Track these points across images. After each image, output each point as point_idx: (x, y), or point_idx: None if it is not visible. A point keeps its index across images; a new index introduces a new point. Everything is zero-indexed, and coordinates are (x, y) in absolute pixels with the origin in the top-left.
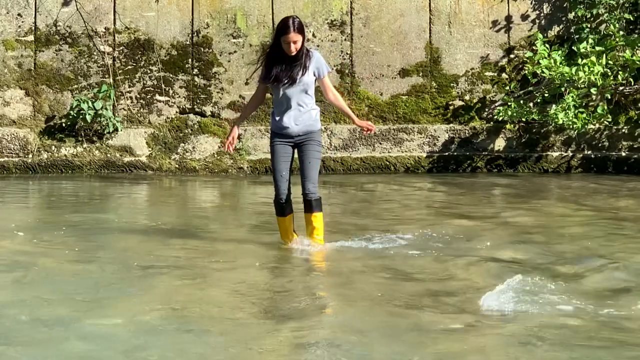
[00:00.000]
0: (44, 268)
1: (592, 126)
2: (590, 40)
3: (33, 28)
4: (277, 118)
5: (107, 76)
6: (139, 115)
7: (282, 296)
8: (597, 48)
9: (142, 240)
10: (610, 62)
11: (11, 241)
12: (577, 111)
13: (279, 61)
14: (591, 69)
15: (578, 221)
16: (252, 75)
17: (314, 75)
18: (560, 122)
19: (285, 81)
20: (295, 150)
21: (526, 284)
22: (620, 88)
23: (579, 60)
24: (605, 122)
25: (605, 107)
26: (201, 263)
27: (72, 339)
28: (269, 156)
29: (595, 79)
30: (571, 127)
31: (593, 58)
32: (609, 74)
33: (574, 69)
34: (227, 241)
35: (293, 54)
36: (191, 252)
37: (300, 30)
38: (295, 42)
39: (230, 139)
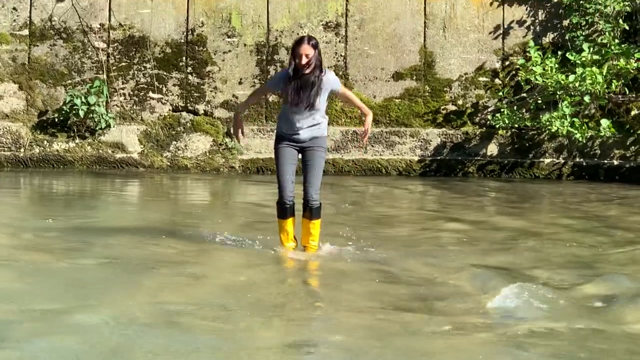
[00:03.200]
0: (32, 263)
1: (587, 134)
2: (588, 49)
3: (28, 22)
4: (286, 124)
5: (101, 72)
6: (131, 112)
7: (271, 297)
8: (594, 57)
9: (132, 237)
10: (604, 70)
11: (0, 236)
12: (572, 120)
13: (296, 82)
14: (592, 78)
15: (568, 228)
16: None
17: (328, 94)
18: (555, 130)
19: (298, 103)
20: (300, 154)
21: (516, 290)
22: (614, 96)
23: (577, 69)
24: (606, 134)
25: (609, 122)
26: (190, 261)
27: (60, 333)
28: (260, 156)
29: (597, 89)
30: (568, 137)
31: (595, 68)
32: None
33: (571, 77)
34: (217, 240)
35: (305, 69)
36: (181, 250)
37: (315, 45)
38: (307, 56)
39: (239, 129)
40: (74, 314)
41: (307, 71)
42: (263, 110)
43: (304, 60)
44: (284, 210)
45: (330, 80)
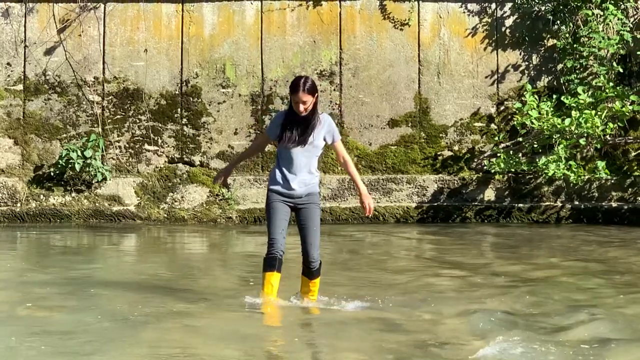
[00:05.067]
0: (30, 318)
1: (582, 177)
2: (583, 92)
3: (22, 77)
4: (282, 178)
5: (96, 125)
6: (127, 164)
7: (271, 346)
8: (588, 100)
9: (130, 290)
10: (600, 113)
11: None
12: (568, 163)
13: (291, 121)
14: (589, 121)
15: (567, 272)
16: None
17: (324, 140)
18: (551, 173)
19: (294, 144)
20: (294, 212)
21: (515, 335)
22: (610, 139)
23: (573, 113)
24: (602, 176)
25: (604, 163)
26: (189, 313)
27: None
28: (257, 206)
29: (594, 131)
30: (566, 180)
31: (592, 111)
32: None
33: (566, 120)
34: (216, 291)
35: (302, 114)
36: (179, 302)
37: (311, 91)
38: (304, 103)
39: (224, 177)
40: None
41: (304, 115)
42: (259, 160)
43: (302, 108)
44: (272, 264)
45: (327, 122)
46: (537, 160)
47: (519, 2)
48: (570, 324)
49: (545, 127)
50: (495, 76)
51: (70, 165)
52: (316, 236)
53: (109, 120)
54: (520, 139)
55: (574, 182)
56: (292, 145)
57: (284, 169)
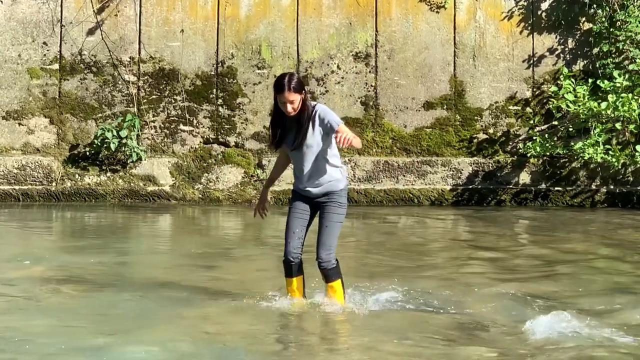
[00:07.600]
0: (72, 297)
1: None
2: (619, 76)
3: (58, 56)
4: (297, 180)
5: (131, 105)
6: (162, 144)
7: (312, 325)
8: (625, 83)
9: (167, 270)
10: (636, 97)
11: (37, 269)
12: (606, 147)
13: (281, 122)
14: (626, 105)
15: (604, 255)
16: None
17: (324, 131)
18: (587, 157)
19: (291, 146)
20: (317, 210)
21: (558, 317)
22: None
23: (609, 97)
24: None
25: None
26: (227, 293)
27: None
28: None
29: (631, 115)
30: (601, 164)
31: (629, 95)
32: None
33: (603, 104)
34: (251, 272)
35: (291, 114)
36: (216, 282)
37: (297, 88)
38: (292, 102)
39: (261, 206)
40: (121, 347)
41: (294, 114)
42: None
43: (289, 109)
44: (288, 269)
45: (320, 114)
46: (572, 143)
47: None
48: (614, 306)
49: (581, 111)
50: (531, 60)
51: (105, 145)
52: (329, 236)
53: (145, 101)
54: (556, 123)
55: (616, 165)
56: (288, 148)
57: (295, 170)
